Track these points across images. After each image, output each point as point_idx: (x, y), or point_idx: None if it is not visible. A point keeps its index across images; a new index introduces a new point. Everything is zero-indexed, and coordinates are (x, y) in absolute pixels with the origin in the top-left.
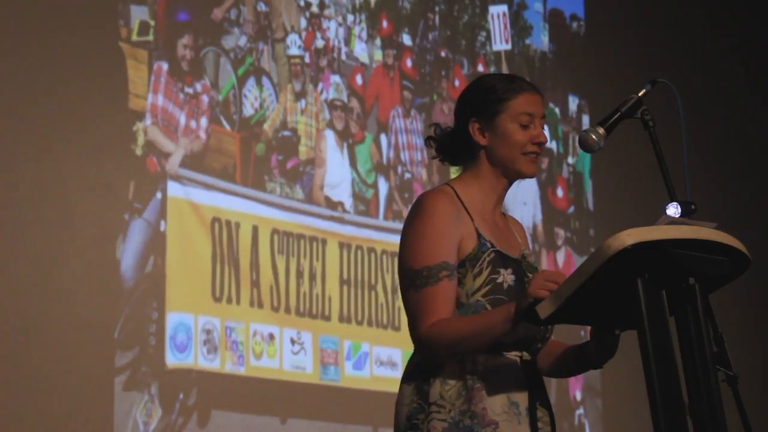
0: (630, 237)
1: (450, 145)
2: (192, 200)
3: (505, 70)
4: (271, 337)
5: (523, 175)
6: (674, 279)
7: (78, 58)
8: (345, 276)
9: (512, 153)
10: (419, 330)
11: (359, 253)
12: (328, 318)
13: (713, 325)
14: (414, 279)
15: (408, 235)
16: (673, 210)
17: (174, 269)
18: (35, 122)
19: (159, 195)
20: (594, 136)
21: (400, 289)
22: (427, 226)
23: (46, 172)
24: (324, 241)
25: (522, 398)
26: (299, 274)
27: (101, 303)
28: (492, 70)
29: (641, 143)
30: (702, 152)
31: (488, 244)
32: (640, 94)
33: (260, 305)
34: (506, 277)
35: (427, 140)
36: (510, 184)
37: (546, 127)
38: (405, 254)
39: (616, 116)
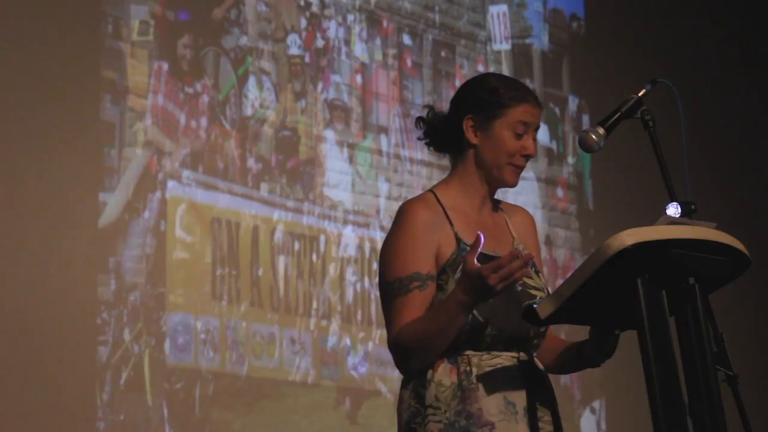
0: (630, 237)
1: (440, 132)
2: (192, 200)
3: (505, 70)
4: (271, 337)
5: (504, 184)
6: (674, 279)
7: (78, 58)
8: (345, 276)
9: (499, 159)
10: (390, 338)
11: (359, 253)
12: (328, 318)
13: (713, 325)
14: (387, 290)
15: (383, 247)
16: (673, 210)
17: (174, 269)
18: (35, 122)
19: (159, 195)
20: (594, 136)
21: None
22: (400, 237)
23: (46, 172)
24: (324, 241)
25: (519, 398)
26: (299, 274)
27: (101, 303)
28: (492, 70)
29: (641, 143)
30: (702, 152)
31: (469, 248)
32: (640, 94)
33: (260, 305)
34: None
35: (418, 120)
36: (493, 190)
37: (546, 127)
38: (380, 268)
39: (616, 116)
